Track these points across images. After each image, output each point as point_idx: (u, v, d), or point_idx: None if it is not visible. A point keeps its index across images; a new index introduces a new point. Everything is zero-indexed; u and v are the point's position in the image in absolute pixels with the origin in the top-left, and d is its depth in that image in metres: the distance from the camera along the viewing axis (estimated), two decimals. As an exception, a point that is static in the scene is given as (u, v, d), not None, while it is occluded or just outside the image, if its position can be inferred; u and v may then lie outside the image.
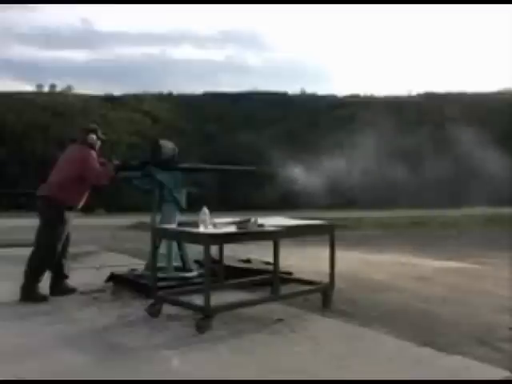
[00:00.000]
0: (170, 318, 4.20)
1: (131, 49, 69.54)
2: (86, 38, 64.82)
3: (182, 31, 76.07)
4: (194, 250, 5.23)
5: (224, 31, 70.60)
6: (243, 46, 71.17)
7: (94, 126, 5.37)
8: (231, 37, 71.80)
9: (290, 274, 5.59)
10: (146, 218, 5.63)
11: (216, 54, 66.11)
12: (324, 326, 4.07)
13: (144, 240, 5.85)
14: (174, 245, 5.26)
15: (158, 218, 5.40)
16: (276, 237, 4.22)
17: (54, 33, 66.40)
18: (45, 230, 4.92)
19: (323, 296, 4.63)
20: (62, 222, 4.93)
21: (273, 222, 4.60)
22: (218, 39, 66.72)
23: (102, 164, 5.13)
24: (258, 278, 5.19)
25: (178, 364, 3.19)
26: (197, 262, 5.60)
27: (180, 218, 5.23)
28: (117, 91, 38.74)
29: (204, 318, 3.80)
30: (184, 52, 66.04)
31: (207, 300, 3.75)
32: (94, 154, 5.11)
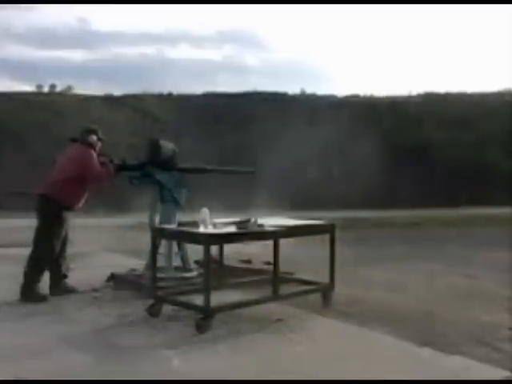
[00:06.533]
0: (170, 317, 4.20)
1: (129, 48, 69.18)
2: (83, 37, 64.45)
3: (179, 31, 75.77)
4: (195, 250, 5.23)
5: (221, 31, 70.31)
6: (241, 46, 70.82)
7: (94, 126, 5.39)
8: (228, 37, 71.42)
9: (291, 274, 5.59)
10: (145, 218, 5.63)
11: (213, 54, 65.86)
12: (323, 326, 4.07)
13: (144, 240, 5.85)
14: (174, 245, 5.26)
15: (157, 217, 5.40)
16: (276, 237, 4.22)
17: (52, 33, 66.04)
18: (43, 229, 4.92)
19: (323, 296, 4.63)
20: (61, 221, 4.93)
21: (273, 222, 4.60)
22: (214, 39, 66.40)
23: (102, 164, 5.13)
24: (257, 277, 5.19)
25: (178, 364, 3.19)
26: (197, 262, 5.60)
27: (180, 217, 5.22)
28: (116, 91, 38.65)
29: (204, 318, 3.81)
30: (182, 52, 65.77)
31: (207, 300, 3.75)
32: (94, 153, 5.11)
